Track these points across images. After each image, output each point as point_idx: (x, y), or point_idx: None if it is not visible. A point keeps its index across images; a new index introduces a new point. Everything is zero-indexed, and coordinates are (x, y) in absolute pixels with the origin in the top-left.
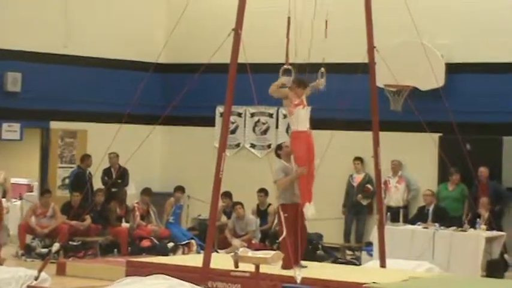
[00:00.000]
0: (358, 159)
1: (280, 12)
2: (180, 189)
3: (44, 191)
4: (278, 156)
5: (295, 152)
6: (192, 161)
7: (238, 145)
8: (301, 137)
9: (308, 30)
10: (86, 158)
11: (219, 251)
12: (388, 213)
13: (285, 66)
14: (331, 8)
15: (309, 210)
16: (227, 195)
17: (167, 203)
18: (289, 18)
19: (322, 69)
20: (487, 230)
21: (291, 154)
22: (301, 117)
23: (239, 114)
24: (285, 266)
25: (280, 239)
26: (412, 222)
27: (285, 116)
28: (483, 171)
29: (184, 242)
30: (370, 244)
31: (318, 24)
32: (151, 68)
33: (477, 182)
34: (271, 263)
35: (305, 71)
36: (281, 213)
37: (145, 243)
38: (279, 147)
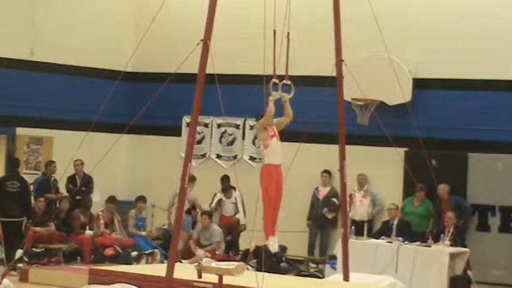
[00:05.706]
0: (326, 172)
1: (250, 24)
2: (141, 199)
3: None
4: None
5: (263, 185)
6: (158, 171)
7: (204, 155)
8: (271, 171)
9: (278, 42)
10: (49, 165)
11: (182, 261)
12: (353, 227)
13: (273, 80)
14: (300, 20)
15: (273, 244)
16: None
17: (129, 215)
18: (274, 31)
19: (286, 81)
20: (451, 245)
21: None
22: (276, 150)
23: (206, 125)
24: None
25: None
26: (376, 236)
27: (251, 127)
28: (443, 188)
29: (148, 252)
30: (334, 257)
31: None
32: (118, 76)
33: (439, 199)
34: (235, 274)
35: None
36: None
37: (109, 251)
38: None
